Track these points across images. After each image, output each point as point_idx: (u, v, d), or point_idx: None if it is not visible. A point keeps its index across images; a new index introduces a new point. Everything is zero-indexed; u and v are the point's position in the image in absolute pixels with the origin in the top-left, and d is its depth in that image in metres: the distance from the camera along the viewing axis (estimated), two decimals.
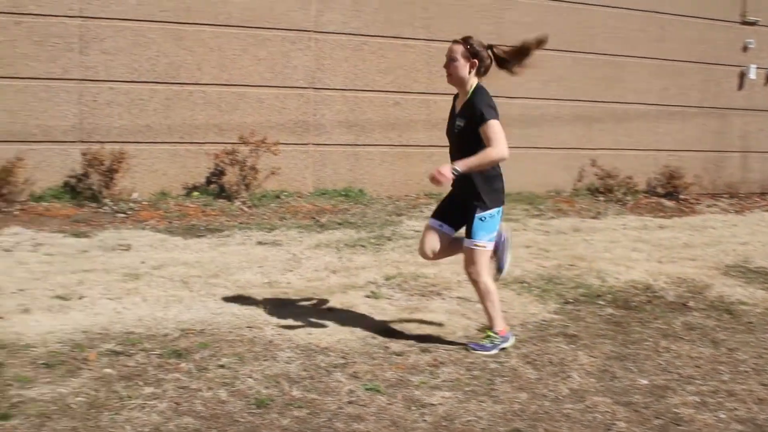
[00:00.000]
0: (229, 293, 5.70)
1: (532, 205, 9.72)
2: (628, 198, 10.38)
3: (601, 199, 10.40)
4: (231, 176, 8.48)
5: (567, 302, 6.04)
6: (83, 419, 3.88)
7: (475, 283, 4.94)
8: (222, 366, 4.50)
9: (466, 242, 4.87)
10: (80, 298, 5.42)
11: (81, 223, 7.30)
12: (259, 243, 6.96)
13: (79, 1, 8.12)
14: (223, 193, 8.43)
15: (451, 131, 4.94)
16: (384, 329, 5.18)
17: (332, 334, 5.07)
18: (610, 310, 5.90)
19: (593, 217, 9.37)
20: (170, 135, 8.45)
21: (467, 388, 4.40)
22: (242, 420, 3.93)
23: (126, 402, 4.05)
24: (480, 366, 4.71)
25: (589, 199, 10.44)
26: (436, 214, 5.09)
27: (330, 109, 9.05)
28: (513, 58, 4.94)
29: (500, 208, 4.91)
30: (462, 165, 4.67)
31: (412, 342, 5.01)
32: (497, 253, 5.07)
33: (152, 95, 8.39)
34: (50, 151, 8.09)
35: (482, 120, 4.69)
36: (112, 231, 7.10)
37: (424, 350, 4.89)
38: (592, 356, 4.97)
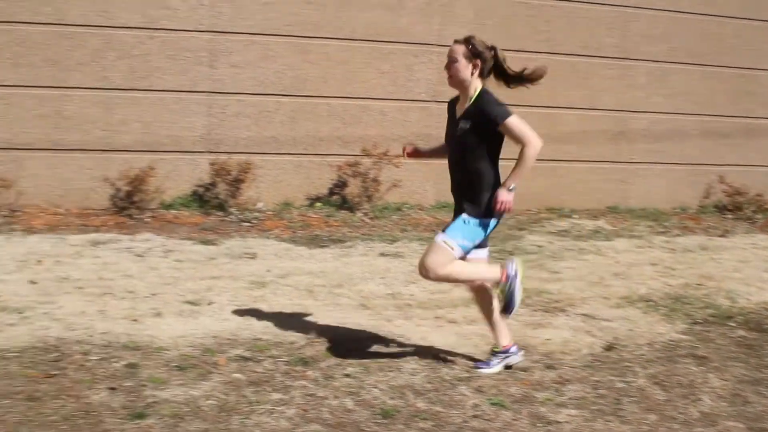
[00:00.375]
0: (353, 303, 5.76)
1: (657, 221, 9.48)
2: (758, 216, 10.01)
3: (729, 216, 10.06)
4: (353, 188, 8.58)
5: (695, 322, 5.86)
6: (214, 422, 3.98)
7: (437, 281, 4.66)
8: (348, 375, 4.55)
9: (437, 236, 4.52)
10: (209, 304, 5.57)
11: (208, 231, 7.50)
12: (381, 254, 7.01)
13: (209, 17, 8.37)
14: (345, 204, 8.54)
15: (452, 137, 4.65)
16: None
17: (456, 347, 5.06)
18: (741, 332, 5.69)
19: (721, 235, 9.08)
20: (295, 146, 8.61)
21: (593, 407, 4.32)
22: (368, 429, 3.96)
23: (255, 407, 4.13)
24: (606, 385, 4.62)
25: (717, 216, 10.12)
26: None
27: None
28: (511, 76, 4.65)
29: (491, 224, 4.54)
30: (513, 180, 4.42)
31: (536, 358, 4.96)
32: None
33: (278, 107, 8.58)
34: (180, 161, 8.35)
35: (501, 121, 4.40)
36: (238, 239, 7.27)
37: (548, 367, 4.83)
38: (723, 379, 4.81)
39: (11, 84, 8.04)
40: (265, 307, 5.58)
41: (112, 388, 4.28)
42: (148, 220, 7.80)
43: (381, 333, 5.22)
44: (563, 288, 6.38)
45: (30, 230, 7.29)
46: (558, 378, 4.67)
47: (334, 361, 4.73)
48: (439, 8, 9.10)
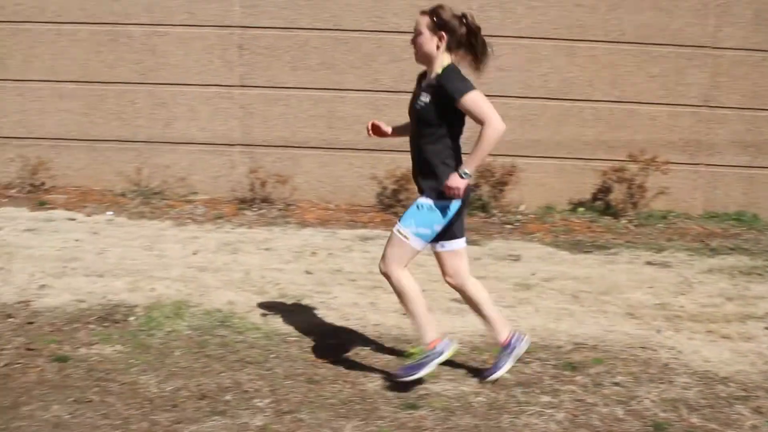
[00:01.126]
0: (620, 311, 5.63)
1: None
2: None
3: None
4: (617, 194, 8.38)
5: None
6: (484, 418, 4.04)
7: (385, 276, 4.27)
8: (617, 384, 4.46)
9: (395, 226, 4.25)
10: None
11: (471, 231, 7.58)
12: (648, 263, 6.79)
13: (479, 21, 8.37)
14: (608, 210, 8.35)
15: (412, 109, 4.30)
16: None
17: (731, 364, 4.82)
18: None
19: None
20: (558, 150, 8.53)
21: None
22: None
23: (524, 407, 4.15)
24: None
25: None
26: None
27: (724, 128, 8.62)
28: (480, 50, 4.26)
29: (451, 207, 4.19)
30: (468, 164, 4.11)
31: None
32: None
33: (543, 111, 8.53)
34: None
35: (458, 96, 4.02)
36: (501, 241, 7.31)
37: None
38: None
39: (290, 86, 8.55)
40: (530, 310, 5.58)
41: (386, 378, 4.45)
42: None
43: (649, 344, 5.07)
44: None
45: (303, 224, 7.72)
46: None
47: (602, 368, 4.66)
48: (715, 8, 8.68)
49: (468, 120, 4.22)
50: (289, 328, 5.10)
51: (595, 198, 8.53)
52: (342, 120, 8.51)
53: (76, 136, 8.76)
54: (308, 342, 4.92)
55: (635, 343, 5.05)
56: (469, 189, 4.26)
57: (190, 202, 8.28)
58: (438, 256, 4.41)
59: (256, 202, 8.19)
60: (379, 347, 4.86)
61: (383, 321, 5.24)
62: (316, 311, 5.41)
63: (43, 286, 5.76)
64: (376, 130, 4.68)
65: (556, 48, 8.52)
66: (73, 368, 4.49)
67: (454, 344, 4.36)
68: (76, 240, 6.90)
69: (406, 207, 7.99)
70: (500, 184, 8.13)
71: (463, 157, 4.26)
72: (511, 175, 8.12)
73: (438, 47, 4.16)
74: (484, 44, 4.30)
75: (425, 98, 4.17)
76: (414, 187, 4.46)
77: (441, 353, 4.25)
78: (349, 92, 8.50)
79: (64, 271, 6.05)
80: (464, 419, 4.03)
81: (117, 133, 8.71)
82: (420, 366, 4.23)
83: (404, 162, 8.31)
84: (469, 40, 4.24)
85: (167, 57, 8.58)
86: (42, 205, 8.09)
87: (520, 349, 4.43)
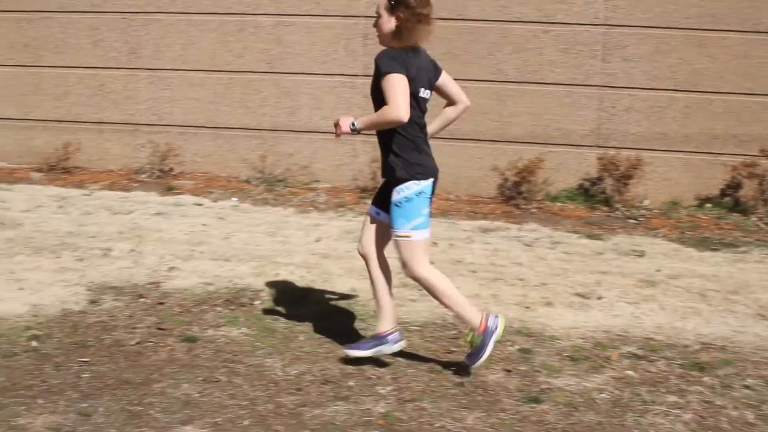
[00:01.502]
0: (750, 312, 5.44)
1: None
2: None
3: None
4: (748, 190, 8.09)
5: None
6: (608, 416, 3.97)
7: (416, 281, 4.30)
8: (747, 387, 4.32)
9: (392, 234, 4.26)
10: (599, 298, 5.56)
11: (594, 225, 7.47)
12: None
13: (605, 10, 8.30)
14: (737, 206, 8.07)
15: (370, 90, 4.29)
16: None
17: None
18: None
19: None
20: (686, 144, 8.30)
21: None
22: None
23: (649, 406, 4.07)
24: None
25: None
26: (374, 198, 4.47)
27: None
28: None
29: (421, 188, 4.16)
30: (361, 121, 4.16)
31: None
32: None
33: (671, 103, 8.31)
34: (567, 154, 8.40)
35: (382, 74, 4.02)
36: (624, 236, 7.16)
37: None
38: None
39: None
40: (655, 307, 5.45)
41: (508, 371, 4.43)
42: (534, 210, 7.93)
43: None
44: None
45: None
46: None
47: (731, 369, 4.51)
48: None
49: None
50: (410, 317, 5.13)
51: (723, 194, 8.27)
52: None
53: (204, 124, 9.02)
54: (429, 331, 4.94)
55: (767, 345, 4.87)
56: (434, 174, 4.27)
57: (312, 189, 8.42)
58: (370, 220, 4.44)
59: None
60: (500, 339, 4.82)
61: (505, 313, 5.19)
62: (436, 301, 5.41)
63: (172, 268, 5.95)
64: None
65: (686, 38, 8.29)
66: (201, 348, 4.63)
67: (501, 317, 4.35)
68: (203, 224, 7.11)
69: (527, 199, 8.01)
70: (624, 178, 7.97)
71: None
72: (636, 168, 7.94)
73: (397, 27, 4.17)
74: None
75: (373, 80, 4.21)
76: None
77: (495, 329, 4.27)
78: (472, 82, 8.44)
79: (192, 254, 6.24)
80: (587, 416, 3.97)
81: (243, 121, 8.93)
82: (482, 349, 4.24)
83: (526, 153, 8.29)
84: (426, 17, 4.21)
85: (293, 46, 8.73)
86: (170, 190, 8.36)
87: (389, 348, 4.39)
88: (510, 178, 8.22)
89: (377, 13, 4.23)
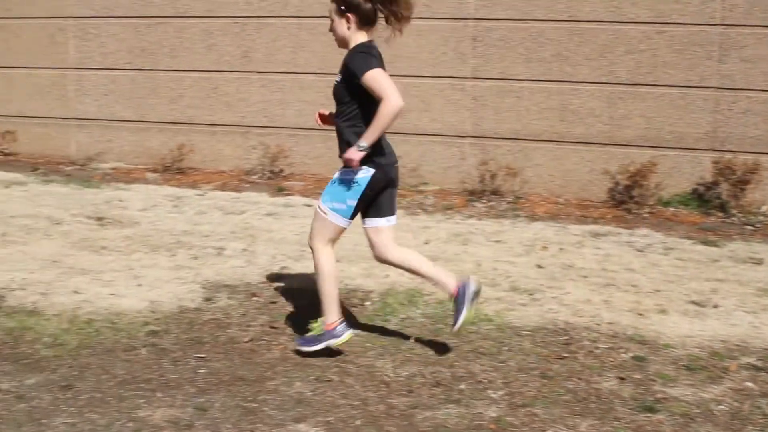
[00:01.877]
0: None
1: None
2: None
3: None
4: None
5: None
6: (727, 428, 3.87)
7: (311, 250, 4.52)
8: None
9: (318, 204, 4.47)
10: (715, 306, 5.40)
11: (708, 231, 7.28)
12: None
13: (722, 9, 8.07)
14: None
15: (334, 88, 4.41)
16: None
17: None
18: None
19: None
20: None
21: None
22: None
23: None
24: None
25: None
26: (362, 213, 4.59)
27: None
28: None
29: (359, 181, 4.31)
30: (365, 138, 4.19)
31: None
32: (457, 302, 4.35)
33: None
34: (681, 158, 8.20)
35: (360, 74, 4.12)
36: (741, 243, 6.95)
37: None
38: None
39: (523, 78, 8.53)
40: None
41: (622, 378, 4.35)
42: (646, 215, 7.78)
43: None
44: None
45: (533, 217, 7.68)
46: None
47: None
48: None
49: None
50: (521, 322, 5.09)
51: None
52: (574, 113, 8.39)
53: (314, 126, 9.12)
54: (541, 336, 4.89)
55: None
56: (390, 169, 4.44)
57: (420, 192, 8.44)
58: (365, 233, 4.59)
59: (485, 194, 8.24)
60: (613, 346, 4.75)
61: (617, 320, 5.12)
62: (547, 306, 5.36)
63: (283, 268, 6.06)
64: (324, 119, 4.77)
65: None
66: None
67: (350, 332, 4.51)
68: None
69: (639, 204, 7.86)
70: (741, 183, 7.73)
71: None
72: (753, 173, 7.70)
73: (349, 28, 4.30)
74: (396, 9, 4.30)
75: (338, 77, 4.34)
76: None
77: (337, 336, 4.45)
78: (583, 85, 8.36)
79: (302, 255, 6.33)
80: (705, 427, 3.87)
81: None
82: (316, 341, 4.48)
83: (638, 157, 8.14)
84: (375, 11, 4.29)
85: (402, 49, 8.76)
86: (281, 191, 8.51)
87: (470, 290, 4.39)
88: (621, 181, 8.08)
89: (329, 17, 4.36)
